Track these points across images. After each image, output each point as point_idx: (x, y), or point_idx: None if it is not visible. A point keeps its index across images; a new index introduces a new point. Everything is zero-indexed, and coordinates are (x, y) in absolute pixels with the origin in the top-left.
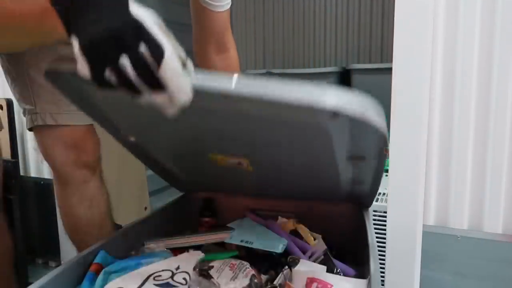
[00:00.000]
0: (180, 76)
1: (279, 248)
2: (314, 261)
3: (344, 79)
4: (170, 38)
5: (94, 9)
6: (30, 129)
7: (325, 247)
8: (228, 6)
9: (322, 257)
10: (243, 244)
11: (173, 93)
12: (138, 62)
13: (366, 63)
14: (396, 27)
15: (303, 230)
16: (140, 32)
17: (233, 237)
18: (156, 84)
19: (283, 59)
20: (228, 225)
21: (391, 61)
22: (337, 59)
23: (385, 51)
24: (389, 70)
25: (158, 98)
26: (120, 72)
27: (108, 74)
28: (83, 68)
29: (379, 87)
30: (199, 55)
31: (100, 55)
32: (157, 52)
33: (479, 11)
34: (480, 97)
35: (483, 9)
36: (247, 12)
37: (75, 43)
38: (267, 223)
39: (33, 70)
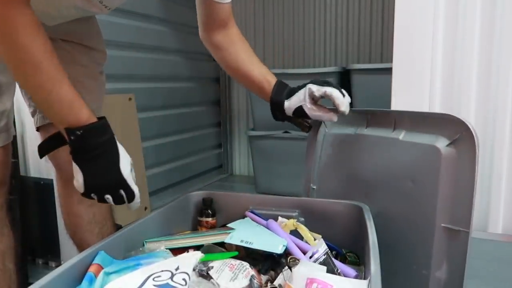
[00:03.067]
0: (138, 204)
1: (278, 248)
2: (315, 262)
3: (344, 79)
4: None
5: (98, 162)
6: (37, 129)
7: (326, 247)
8: None
9: (323, 257)
10: (243, 244)
11: (131, 209)
12: (116, 199)
13: (366, 63)
14: (396, 28)
15: (303, 230)
16: (119, 184)
17: (233, 237)
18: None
19: (283, 59)
20: (228, 225)
21: (391, 61)
22: (337, 59)
23: (385, 51)
24: (389, 70)
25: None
26: (100, 199)
27: (93, 196)
28: (78, 187)
29: (379, 87)
30: (204, 38)
31: (95, 191)
32: (130, 196)
33: (479, 11)
34: (480, 97)
35: (483, 9)
36: (247, 12)
37: (80, 176)
38: (267, 223)
39: None
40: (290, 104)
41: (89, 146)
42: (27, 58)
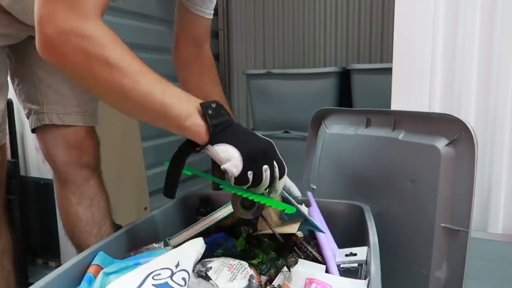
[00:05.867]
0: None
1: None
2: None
3: (344, 79)
4: None
5: (244, 132)
6: (33, 130)
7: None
8: (212, 14)
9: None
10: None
11: (276, 191)
12: (272, 171)
13: (366, 63)
14: (396, 28)
15: None
16: (273, 152)
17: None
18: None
19: (283, 59)
20: None
21: (391, 61)
22: (337, 59)
23: (385, 51)
24: (389, 70)
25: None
26: (258, 175)
27: (250, 175)
28: (234, 168)
29: (379, 87)
30: (177, 49)
31: (254, 162)
32: (282, 169)
33: (479, 11)
34: (480, 97)
35: (483, 9)
36: (247, 12)
37: (233, 151)
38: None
39: (42, 71)
40: None
41: (228, 119)
42: (127, 69)
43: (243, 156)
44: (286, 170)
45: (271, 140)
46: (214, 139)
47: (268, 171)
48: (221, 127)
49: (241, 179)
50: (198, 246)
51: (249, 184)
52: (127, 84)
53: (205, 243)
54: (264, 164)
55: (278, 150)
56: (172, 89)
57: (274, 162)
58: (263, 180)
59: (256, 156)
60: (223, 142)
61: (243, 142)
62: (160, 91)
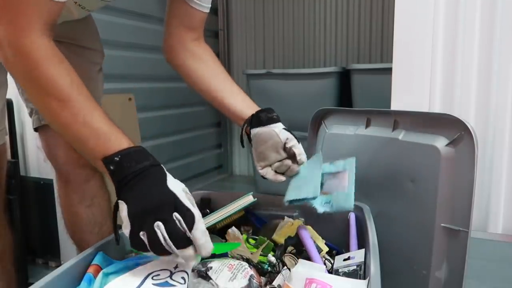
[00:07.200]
0: (206, 235)
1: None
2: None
3: (344, 79)
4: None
5: (141, 186)
6: (35, 129)
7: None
8: (209, 8)
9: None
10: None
11: (200, 247)
12: (170, 225)
13: (366, 63)
14: (396, 28)
15: (310, 230)
16: (174, 203)
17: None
18: (184, 243)
19: (283, 59)
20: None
21: (391, 61)
22: (337, 59)
23: (385, 51)
24: (389, 70)
25: (186, 252)
26: (151, 235)
27: (143, 236)
28: (125, 230)
29: (379, 87)
30: (173, 46)
31: (142, 221)
32: (189, 217)
33: (479, 11)
34: (480, 97)
35: (483, 9)
36: (247, 12)
37: (124, 210)
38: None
39: None
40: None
41: (131, 172)
42: (54, 92)
43: (129, 215)
44: (195, 217)
45: (171, 190)
46: (119, 195)
47: (163, 227)
48: (125, 181)
49: (134, 243)
50: None
51: (148, 249)
52: (52, 107)
53: None
54: (155, 220)
55: None
56: (96, 121)
57: (176, 215)
58: (161, 241)
59: (143, 212)
60: (121, 200)
61: (135, 198)
62: (81, 123)
